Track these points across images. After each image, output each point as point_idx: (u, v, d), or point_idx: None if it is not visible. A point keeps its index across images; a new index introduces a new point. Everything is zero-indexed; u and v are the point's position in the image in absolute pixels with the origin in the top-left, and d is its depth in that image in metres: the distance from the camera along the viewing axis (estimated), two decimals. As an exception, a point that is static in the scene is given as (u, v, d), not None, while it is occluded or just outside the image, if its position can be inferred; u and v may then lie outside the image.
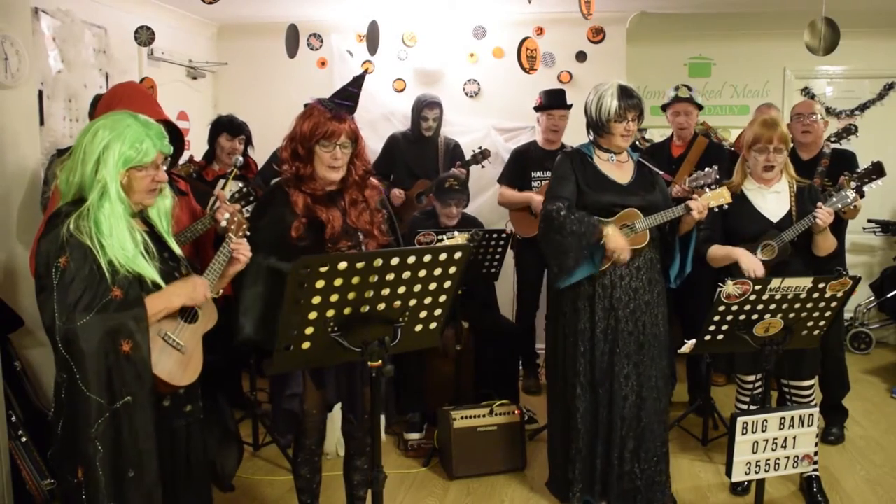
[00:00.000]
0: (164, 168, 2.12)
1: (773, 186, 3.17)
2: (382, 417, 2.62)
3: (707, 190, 2.98)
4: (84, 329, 1.88)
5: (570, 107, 4.50)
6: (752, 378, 3.13)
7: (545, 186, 3.68)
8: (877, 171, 3.28)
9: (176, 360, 2.08)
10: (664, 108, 4.33)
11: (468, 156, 4.61)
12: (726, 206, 2.96)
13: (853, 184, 3.25)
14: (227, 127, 3.97)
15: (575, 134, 4.31)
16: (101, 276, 1.92)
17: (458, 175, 4.18)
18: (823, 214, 2.98)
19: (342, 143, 2.43)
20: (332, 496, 3.18)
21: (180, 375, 2.08)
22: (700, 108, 4.30)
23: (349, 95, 2.50)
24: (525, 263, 4.62)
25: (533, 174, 4.47)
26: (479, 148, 4.60)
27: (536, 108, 4.54)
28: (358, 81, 2.51)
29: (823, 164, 3.69)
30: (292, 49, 4.61)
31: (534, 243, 4.25)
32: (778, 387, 3.52)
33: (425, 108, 4.58)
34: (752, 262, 3.04)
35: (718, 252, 3.14)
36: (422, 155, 4.63)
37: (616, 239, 2.90)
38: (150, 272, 2.01)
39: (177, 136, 2.70)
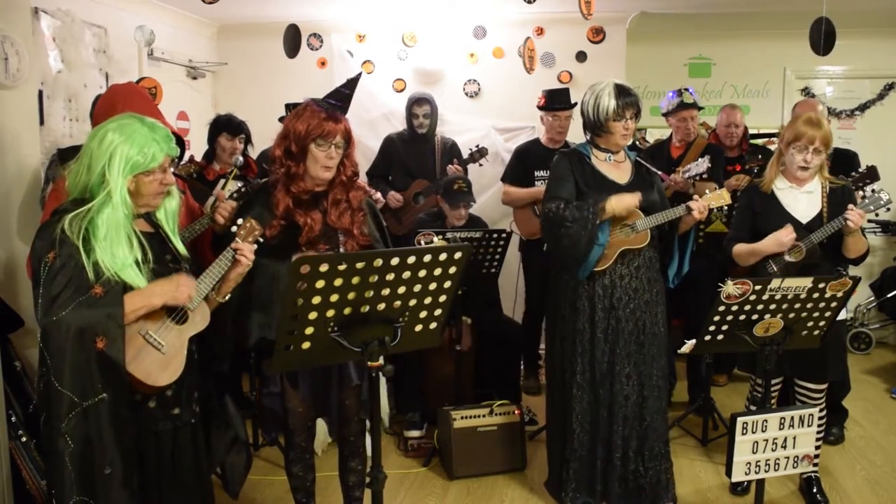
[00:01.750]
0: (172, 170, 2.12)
1: (805, 187, 3.06)
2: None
3: (707, 191, 2.97)
4: (59, 323, 1.88)
5: (574, 105, 4.48)
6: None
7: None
8: (871, 175, 3.27)
9: (155, 359, 2.03)
10: (667, 114, 4.31)
11: (465, 155, 4.60)
12: (726, 208, 2.95)
13: None
14: (227, 126, 3.96)
15: (575, 134, 4.30)
16: (85, 274, 1.92)
17: (464, 176, 4.18)
18: (855, 216, 2.86)
19: (337, 142, 2.45)
20: (330, 496, 3.18)
21: (157, 375, 2.03)
22: (700, 108, 4.31)
23: (342, 97, 2.50)
24: (531, 265, 4.60)
25: (536, 173, 4.45)
26: (477, 146, 4.58)
27: (541, 108, 4.50)
28: (352, 84, 2.51)
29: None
30: (292, 49, 4.61)
31: (539, 244, 4.25)
32: (780, 388, 3.52)
33: (414, 104, 4.59)
34: (777, 237, 2.94)
35: (743, 249, 3.07)
36: (418, 154, 4.62)
37: (621, 200, 2.88)
38: (139, 282, 1.99)
39: (177, 139, 2.68)
